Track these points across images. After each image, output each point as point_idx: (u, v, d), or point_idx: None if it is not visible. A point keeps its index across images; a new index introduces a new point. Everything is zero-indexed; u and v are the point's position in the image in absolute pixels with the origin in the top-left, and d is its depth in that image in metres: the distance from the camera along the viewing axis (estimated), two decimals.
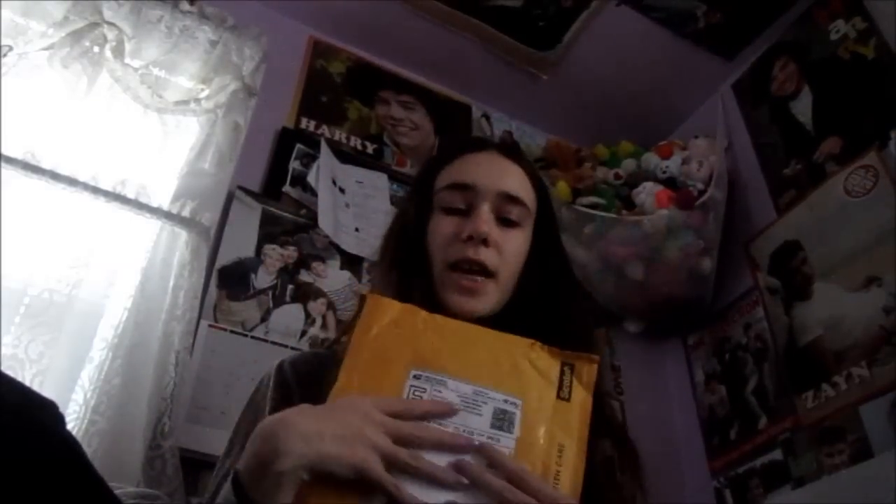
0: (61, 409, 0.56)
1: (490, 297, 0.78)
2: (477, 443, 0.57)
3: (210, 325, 1.56)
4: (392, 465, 0.54)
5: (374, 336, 0.63)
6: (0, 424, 0.49)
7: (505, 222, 0.81)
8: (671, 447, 2.01)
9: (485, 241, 0.77)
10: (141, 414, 1.34)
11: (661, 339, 2.18)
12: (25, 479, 0.49)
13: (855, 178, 1.74)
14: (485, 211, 0.79)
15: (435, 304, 0.75)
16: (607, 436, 0.75)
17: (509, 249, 0.80)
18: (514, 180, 0.84)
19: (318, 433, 0.54)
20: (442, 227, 0.80)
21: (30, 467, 0.49)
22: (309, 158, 1.94)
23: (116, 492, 0.68)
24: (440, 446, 0.56)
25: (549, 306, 0.81)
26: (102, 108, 1.67)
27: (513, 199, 0.82)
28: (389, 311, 0.64)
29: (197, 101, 1.76)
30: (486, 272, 0.78)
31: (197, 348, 1.51)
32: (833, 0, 1.97)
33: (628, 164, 2.12)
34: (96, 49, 1.68)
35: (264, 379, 0.82)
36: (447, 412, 0.57)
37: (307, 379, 0.77)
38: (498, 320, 0.76)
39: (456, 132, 2.30)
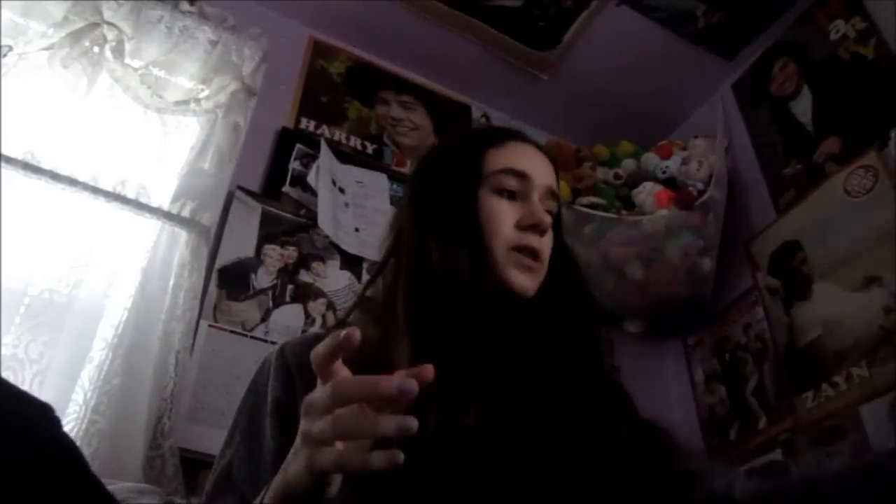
0: (61, 410, 0.56)
1: (539, 278, 0.83)
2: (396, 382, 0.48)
3: (210, 325, 1.56)
4: (337, 437, 0.50)
5: None
6: None
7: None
8: None
9: (543, 232, 0.83)
10: (141, 414, 1.34)
11: (661, 339, 2.18)
12: (22, 482, 0.48)
13: (855, 178, 1.74)
14: (538, 201, 0.85)
15: (485, 278, 0.80)
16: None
17: (550, 240, 0.86)
18: (554, 178, 0.90)
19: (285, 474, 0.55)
20: (501, 210, 0.84)
21: (26, 470, 0.49)
22: (309, 158, 1.94)
23: (111, 487, 0.68)
24: (372, 398, 0.49)
25: (564, 294, 0.87)
26: (102, 108, 1.67)
27: (554, 196, 0.88)
28: None
29: (197, 101, 1.76)
30: (539, 258, 0.83)
31: (197, 348, 1.51)
32: (833, 0, 1.97)
33: (628, 164, 2.12)
34: (96, 49, 1.68)
35: (266, 364, 0.82)
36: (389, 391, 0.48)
37: (308, 362, 0.75)
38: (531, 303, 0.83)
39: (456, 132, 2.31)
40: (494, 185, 0.85)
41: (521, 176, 0.85)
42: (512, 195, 0.85)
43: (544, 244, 0.84)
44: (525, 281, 0.81)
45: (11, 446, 0.49)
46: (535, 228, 0.82)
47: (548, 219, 0.83)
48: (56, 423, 0.56)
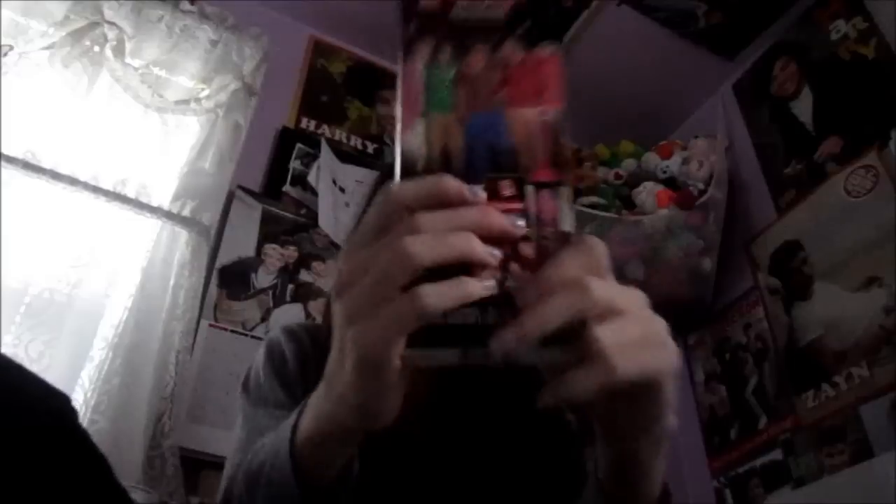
0: None
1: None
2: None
3: (210, 325, 1.56)
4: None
5: None
6: (22, 413, 0.48)
7: None
8: (671, 447, 2.00)
9: None
10: (141, 414, 1.34)
11: None
12: (46, 467, 0.47)
13: (855, 178, 1.74)
14: None
15: None
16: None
17: None
18: None
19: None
20: None
21: (53, 457, 0.48)
22: (309, 158, 1.94)
23: None
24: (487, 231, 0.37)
25: None
26: (103, 107, 1.67)
27: None
28: None
29: (197, 100, 1.76)
30: None
31: (197, 348, 1.51)
32: (833, 0, 1.97)
33: (628, 164, 2.12)
34: (97, 48, 1.68)
35: (274, 347, 0.78)
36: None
37: (319, 345, 0.76)
38: None
39: None
40: None
41: None
42: None
43: None
44: None
45: (38, 432, 0.47)
46: None
47: None
48: (75, 414, 0.54)
